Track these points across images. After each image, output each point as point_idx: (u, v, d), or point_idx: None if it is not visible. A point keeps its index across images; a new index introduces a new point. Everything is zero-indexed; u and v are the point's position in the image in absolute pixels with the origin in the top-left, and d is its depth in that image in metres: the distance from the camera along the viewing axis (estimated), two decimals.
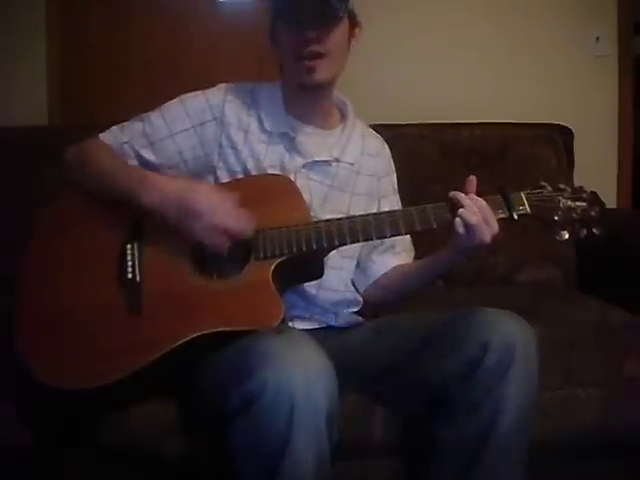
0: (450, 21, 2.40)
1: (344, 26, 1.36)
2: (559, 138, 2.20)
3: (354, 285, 1.51)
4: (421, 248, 1.52)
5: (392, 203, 1.55)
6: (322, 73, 1.35)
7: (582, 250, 2.07)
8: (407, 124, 2.03)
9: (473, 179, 1.29)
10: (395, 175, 1.60)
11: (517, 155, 2.15)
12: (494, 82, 2.44)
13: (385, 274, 1.51)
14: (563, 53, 2.46)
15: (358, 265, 1.52)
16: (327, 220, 1.31)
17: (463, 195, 1.27)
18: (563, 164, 2.18)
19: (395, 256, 1.52)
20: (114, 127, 1.45)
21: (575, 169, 2.21)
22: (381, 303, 1.53)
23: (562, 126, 2.23)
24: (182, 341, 1.20)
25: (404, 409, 1.33)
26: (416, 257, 1.55)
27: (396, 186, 1.59)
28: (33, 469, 1.34)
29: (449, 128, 2.18)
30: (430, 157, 2.11)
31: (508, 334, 1.18)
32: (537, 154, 2.17)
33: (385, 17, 2.30)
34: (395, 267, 1.51)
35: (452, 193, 1.28)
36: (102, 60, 2.40)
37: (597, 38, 2.47)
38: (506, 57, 2.44)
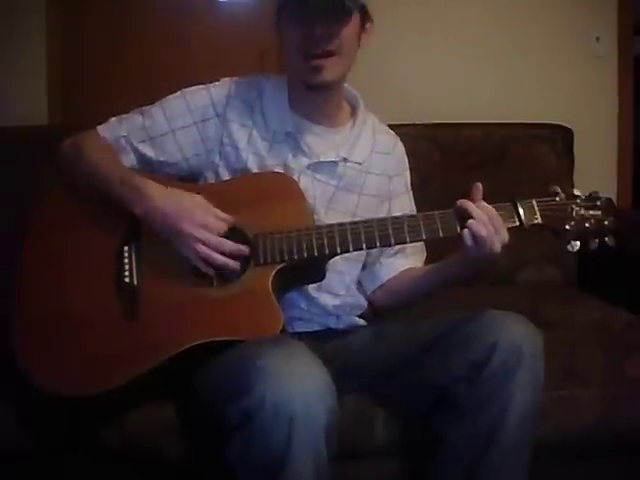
0: (450, 22, 2.40)
1: (355, 21, 1.31)
2: (559, 138, 2.20)
3: (361, 287, 1.48)
4: (433, 248, 1.47)
5: (403, 204, 1.50)
6: (330, 72, 1.30)
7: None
8: (407, 124, 2.02)
9: (479, 186, 1.25)
10: (408, 173, 1.54)
11: (517, 155, 2.15)
12: (494, 82, 2.44)
13: (393, 278, 1.47)
14: (563, 53, 2.46)
15: (365, 267, 1.48)
16: (329, 225, 1.27)
17: (472, 205, 1.23)
18: (563, 164, 2.18)
19: (405, 259, 1.47)
20: (113, 119, 1.41)
21: (575, 169, 2.21)
22: (386, 307, 1.49)
23: (562, 126, 2.23)
24: (180, 350, 1.19)
25: (406, 410, 1.33)
26: (428, 256, 1.50)
27: (409, 184, 1.54)
28: (33, 470, 1.34)
29: (449, 128, 2.18)
30: (430, 157, 2.10)
31: (515, 335, 1.18)
32: (537, 154, 2.17)
33: (385, 18, 2.25)
34: (404, 271, 1.47)
35: (461, 202, 1.24)
36: (102, 60, 2.40)
37: (597, 38, 2.47)
38: (506, 57, 2.44)
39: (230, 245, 1.24)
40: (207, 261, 1.23)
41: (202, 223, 1.23)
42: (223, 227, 1.25)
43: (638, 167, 2.60)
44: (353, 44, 1.33)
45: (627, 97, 2.52)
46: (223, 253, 1.23)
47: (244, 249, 1.25)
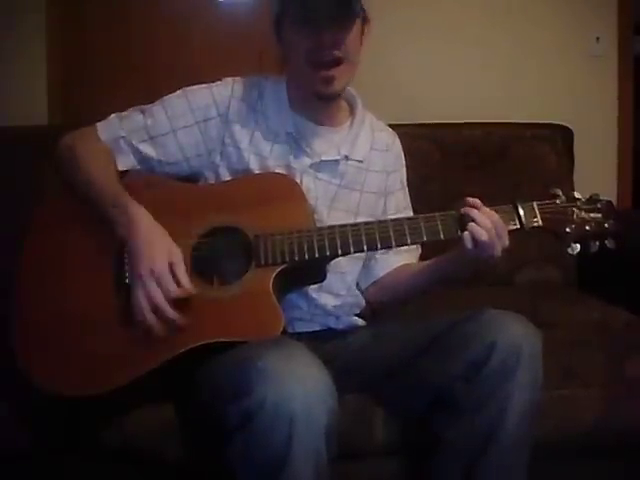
0: (450, 22, 2.41)
1: (358, 25, 1.31)
2: (559, 138, 2.20)
3: (357, 284, 1.48)
4: (434, 245, 1.44)
5: (398, 201, 1.51)
6: (341, 82, 1.31)
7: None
8: (407, 124, 2.02)
9: (477, 201, 1.25)
10: (405, 169, 1.54)
11: (517, 155, 2.15)
12: (494, 82, 2.44)
13: (388, 274, 1.48)
14: (563, 53, 2.46)
15: (362, 263, 1.48)
16: (330, 227, 1.27)
17: (475, 210, 1.23)
18: (563, 164, 2.18)
19: (400, 255, 1.47)
20: (113, 116, 1.39)
21: (575, 169, 2.21)
22: (381, 304, 1.50)
23: (562, 126, 2.23)
24: (181, 351, 1.19)
25: (405, 410, 1.33)
26: (423, 253, 1.50)
27: (405, 181, 1.54)
28: (33, 470, 1.34)
29: (449, 128, 2.18)
30: (430, 157, 2.11)
31: (514, 335, 1.18)
32: (537, 154, 2.17)
33: (385, 17, 2.28)
34: (399, 267, 1.47)
35: (465, 209, 1.24)
36: (102, 60, 2.40)
37: (597, 38, 2.48)
38: (506, 57, 2.44)
39: (167, 312, 1.17)
40: (139, 312, 1.18)
41: (157, 276, 1.18)
42: (175, 292, 1.18)
43: (638, 167, 2.60)
44: (357, 48, 1.33)
45: (627, 97, 2.52)
46: (157, 313, 1.17)
47: (180, 321, 1.18)
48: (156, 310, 1.18)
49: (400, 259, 1.48)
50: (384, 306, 1.51)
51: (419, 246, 1.50)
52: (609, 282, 2.00)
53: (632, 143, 2.55)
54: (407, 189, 1.55)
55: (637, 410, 1.44)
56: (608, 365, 1.50)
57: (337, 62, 1.28)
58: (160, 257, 1.20)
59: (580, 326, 1.72)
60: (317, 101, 1.36)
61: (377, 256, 1.48)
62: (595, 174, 2.34)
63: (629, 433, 1.45)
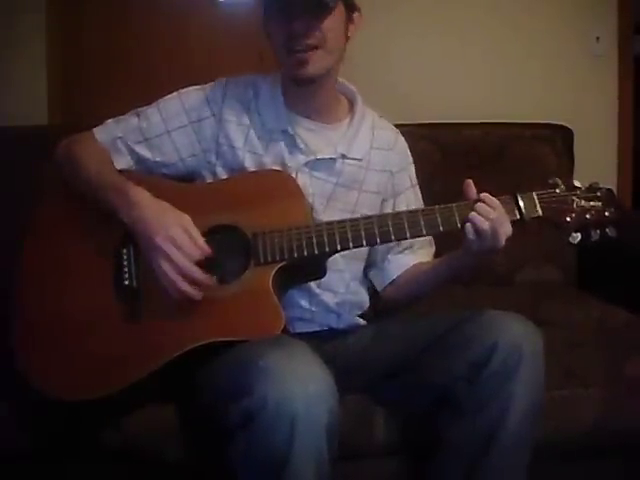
0: (450, 21, 2.40)
1: (338, 13, 1.30)
2: (559, 138, 2.20)
3: (368, 284, 1.48)
4: (443, 240, 1.45)
5: (408, 200, 1.49)
6: (315, 66, 1.29)
7: (582, 250, 2.07)
8: (407, 124, 2.02)
9: (470, 182, 1.25)
10: (413, 167, 1.52)
11: (517, 155, 2.15)
12: (494, 82, 2.44)
13: (403, 274, 1.47)
14: (563, 53, 2.46)
15: (375, 265, 1.48)
16: (329, 223, 1.26)
17: (479, 202, 1.22)
18: (563, 164, 2.18)
19: (413, 254, 1.47)
20: (109, 120, 1.41)
21: (575, 169, 2.21)
22: (399, 303, 1.48)
23: (562, 126, 2.23)
24: (182, 352, 1.19)
25: (407, 409, 1.33)
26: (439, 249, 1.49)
27: (415, 179, 1.53)
28: (33, 471, 1.34)
29: (449, 128, 2.18)
30: (430, 157, 2.10)
31: (515, 335, 1.18)
32: (537, 154, 2.17)
33: (385, 16, 2.30)
34: (413, 266, 1.47)
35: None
36: (102, 60, 2.40)
37: (597, 38, 2.47)
38: (506, 57, 2.44)
39: (196, 273, 1.19)
40: (170, 282, 1.19)
41: (175, 241, 1.19)
42: (196, 253, 1.20)
43: (638, 167, 2.60)
44: (338, 37, 1.32)
45: (627, 97, 2.52)
46: (187, 278, 1.19)
47: (209, 282, 1.21)
48: (184, 275, 1.18)
49: (414, 258, 1.47)
50: (399, 304, 1.49)
51: (432, 243, 1.50)
52: (609, 282, 2.00)
53: (632, 143, 2.55)
54: (418, 187, 1.53)
55: (637, 410, 1.44)
56: (608, 365, 1.50)
57: (310, 48, 1.28)
58: (173, 223, 1.21)
59: (580, 326, 1.72)
60: (298, 89, 1.35)
61: (390, 257, 1.48)
62: (595, 174, 2.28)
63: (629, 433, 1.45)
